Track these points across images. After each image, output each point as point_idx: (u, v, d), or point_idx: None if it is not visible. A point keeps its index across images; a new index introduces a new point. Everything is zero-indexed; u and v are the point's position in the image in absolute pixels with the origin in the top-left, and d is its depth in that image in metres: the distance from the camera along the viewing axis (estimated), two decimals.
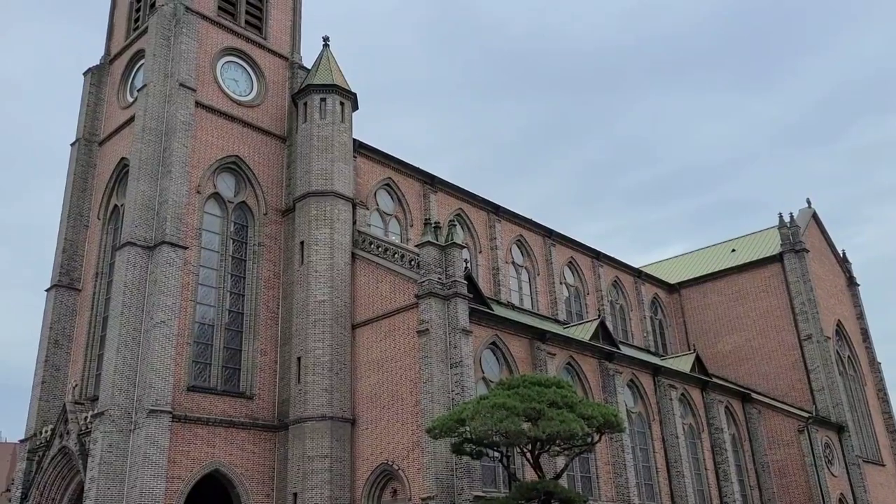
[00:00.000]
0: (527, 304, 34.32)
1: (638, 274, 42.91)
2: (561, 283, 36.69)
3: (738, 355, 41.41)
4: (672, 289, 44.96)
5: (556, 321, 34.00)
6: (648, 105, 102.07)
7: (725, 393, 35.18)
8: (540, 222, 36.37)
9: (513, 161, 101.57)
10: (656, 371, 31.16)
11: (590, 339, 28.49)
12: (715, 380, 35.60)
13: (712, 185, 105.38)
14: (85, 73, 29.34)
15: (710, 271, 44.18)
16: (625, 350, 31.85)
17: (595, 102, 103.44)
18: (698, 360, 35.03)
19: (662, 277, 45.17)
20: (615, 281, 40.98)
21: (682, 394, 31.86)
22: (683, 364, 34.24)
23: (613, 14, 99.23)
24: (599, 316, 34.10)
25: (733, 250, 45.07)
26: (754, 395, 36.84)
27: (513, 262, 34.74)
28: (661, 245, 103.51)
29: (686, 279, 44.88)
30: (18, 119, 74.12)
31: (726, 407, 34.36)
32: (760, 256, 42.46)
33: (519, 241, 35.40)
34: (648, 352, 39.43)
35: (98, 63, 29.61)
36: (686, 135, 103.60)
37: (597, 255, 39.78)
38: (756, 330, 41.25)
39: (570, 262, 38.13)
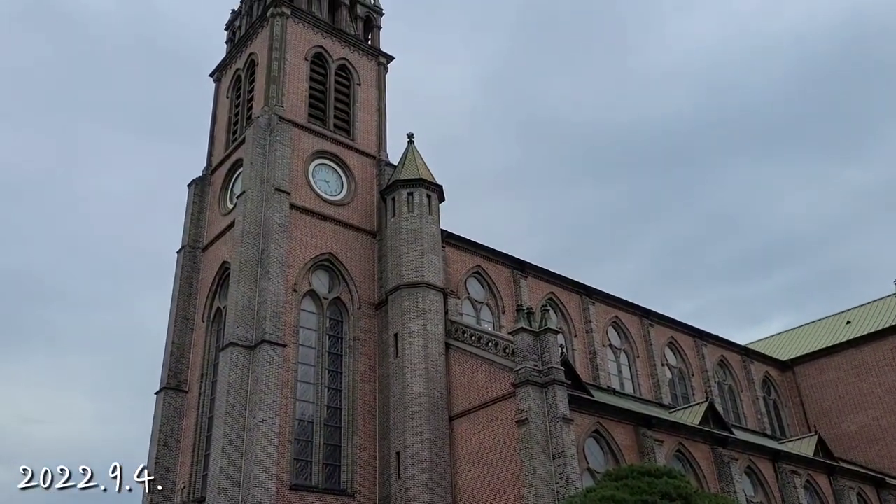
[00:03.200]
0: (628, 389, 32.97)
1: (745, 352, 40.74)
2: (663, 365, 35.18)
3: (865, 436, 38.10)
4: (784, 366, 42.28)
5: (661, 405, 32.42)
6: (730, 178, 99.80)
7: (856, 478, 32.22)
8: (634, 302, 35.39)
9: (596, 243, 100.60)
10: (776, 456, 28.97)
11: (699, 424, 26.92)
12: (843, 464, 32.77)
13: (807, 256, 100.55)
14: (189, 184, 31.25)
15: (824, 346, 41.38)
16: (738, 434, 29.87)
17: (675, 179, 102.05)
18: (821, 442, 32.44)
19: (772, 354, 42.64)
20: (721, 360, 38.99)
21: (808, 480, 29.35)
22: (805, 447, 31.75)
23: (686, 93, 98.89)
24: (707, 398, 32.32)
25: (848, 322, 42.23)
26: (889, 480, 33.57)
27: (610, 345, 33.69)
28: (761, 321, 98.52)
29: (799, 355, 42.14)
30: (115, 230, 79.73)
31: (858, 494, 31.37)
32: (880, 327, 39.55)
33: (615, 322, 34.42)
34: (764, 435, 36.87)
35: (200, 174, 31.53)
36: (773, 206, 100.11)
37: (699, 334, 38.10)
38: (884, 407, 38.00)
39: (670, 342, 36.65)
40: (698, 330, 38.12)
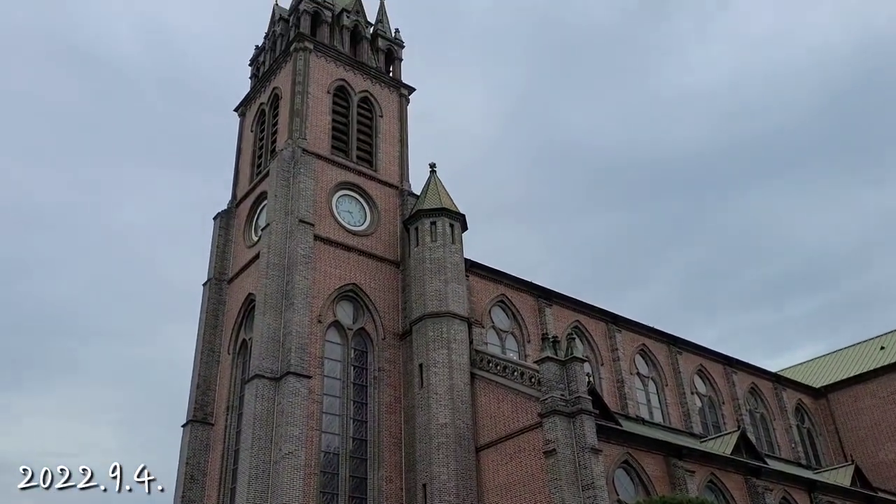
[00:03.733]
0: (657, 418, 32.39)
1: (777, 379, 39.91)
2: (692, 394, 34.56)
3: None
4: (818, 393, 41.33)
5: (692, 434, 31.77)
6: (752, 202, 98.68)
7: None
8: (662, 329, 34.93)
9: (619, 269, 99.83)
10: (812, 486, 28.18)
11: (731, 454, 26.33)
12: (881, 494, 31.77)
13: (834, 281, 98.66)
14: (214, 218, 31.58)
15: (858, 372, 40.41)
16: (772, 464, 29.14)
17: (695, 204, 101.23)
18: (858, 471, 31.54)
19: (805, 381, 41.74)
20: (752, 388, 38.22)
21: None
22: (842, 477, 30.87)
23: (705, 118, 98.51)
24: (739, 427, 31.63)
25: (882, 347, 41.25)
26: None
27: (637, 374, 33.20)
28: (790, 347, 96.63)
29: (832, 382, 41.18)
30: (141, 263, 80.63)
31: None
32: None
33: (642, 350, 33.97)
34: (799, 465, 35.93)
35: (226, 207, 31.87)
36: (797, 230, 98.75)
37: (728, 361, 37.45)
38: None
39: (699, 369, 36.04)
40: (728, 357, 37.48)
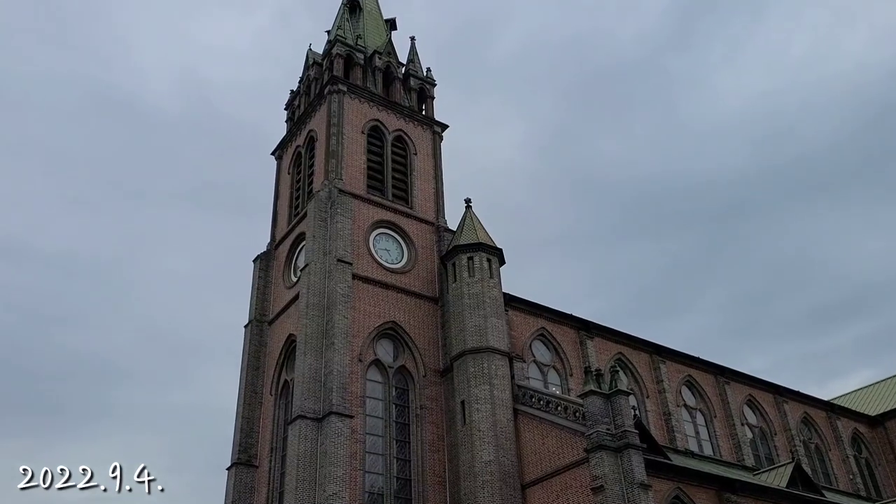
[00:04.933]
0: (707, 450, 31.48)
1: (830, 408, 38.62)
2: (742, 425, 33.59)
3: None
4: (874, 422, 39.83)
5: (743, 467, 30.79)
6: (793, 228, 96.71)
7: None
8: (707, 359, 34.14)
9: (660, 300, 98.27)
10: None
11: (787, 486, 25.44)
12: None
13: (884, 306, 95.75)
14: (254, 260, 31.99)
15: None
16: (830, 496, 28.07)
17: (734, 232, 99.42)
18: None
19: (860, 409, 40.32)
20: (805, 417, 37.01)
21: None
22: None
23: (741, 144, 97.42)
24: (793, 458, 30.56)
25: None
26: None
27: (684, 405, 32.40)
28: (840, 375, 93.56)
29: (889, 409, 39.61)
30: (180, 309, 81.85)
31: None
32: None
33: (688, 381, 33.20)
34: (858, 496, 34.57)
35: (265, 249, 32.29)
36: (842, 255, 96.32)
37: (778, 391, 36.36)
38: None
39: (748, 399, 35.05)
40: (777, 386, 36.43)
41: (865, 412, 40.16)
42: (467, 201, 29.88)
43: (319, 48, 35.87)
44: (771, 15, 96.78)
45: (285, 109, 37.00)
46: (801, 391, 37.64)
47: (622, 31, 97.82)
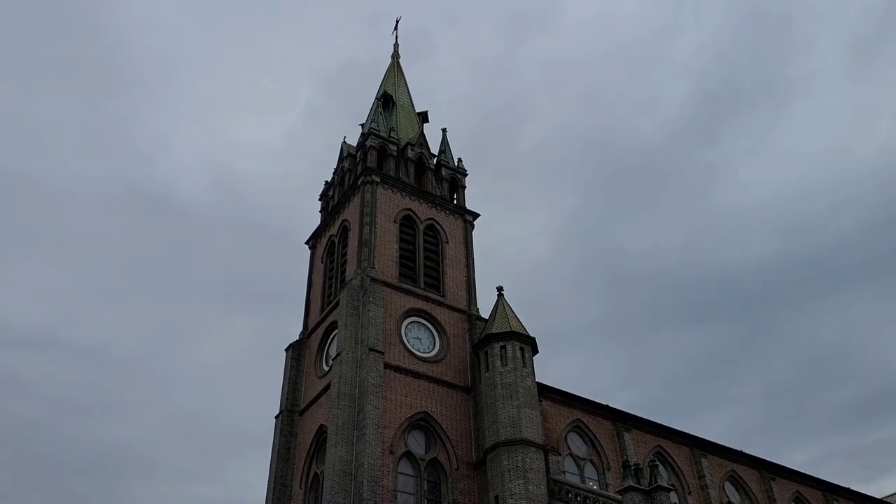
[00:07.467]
0: None
1: None
2: None
3: None
4: None
5: None
6: (829, 318, 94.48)
7: None
8: (751, 453, 32.82)
9: (695, 391, 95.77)
10: None
11: None
12: None
13: None
14: (286, 349, 31.96)
15: None
16: None
17: (766, 321, 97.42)
18: None
19: None
20: None
21: None
22: None
23: (771, 233, 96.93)
24: None
25: None
26: None
27: (728, 502, 30.97)
28: (890, 470, 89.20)
29: None
30: (209, 400, 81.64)
31: None
32: None
33: (731, 476, 31.84)
34: None
35: (297, 338, 32.30)
36: (880, 344, 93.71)
37: (827, 487, 34.67)
38: None
39: (796, 497, 33.41)
40: (826, 482, 34.78)
41: None
42: (499, 289, 29.81)
43: (353, 140, 36.92)
44: (794, 104, 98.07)
45: (319, 200, 37.80)
46: (851, 488, 35.85)
47: (644, 124, 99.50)
